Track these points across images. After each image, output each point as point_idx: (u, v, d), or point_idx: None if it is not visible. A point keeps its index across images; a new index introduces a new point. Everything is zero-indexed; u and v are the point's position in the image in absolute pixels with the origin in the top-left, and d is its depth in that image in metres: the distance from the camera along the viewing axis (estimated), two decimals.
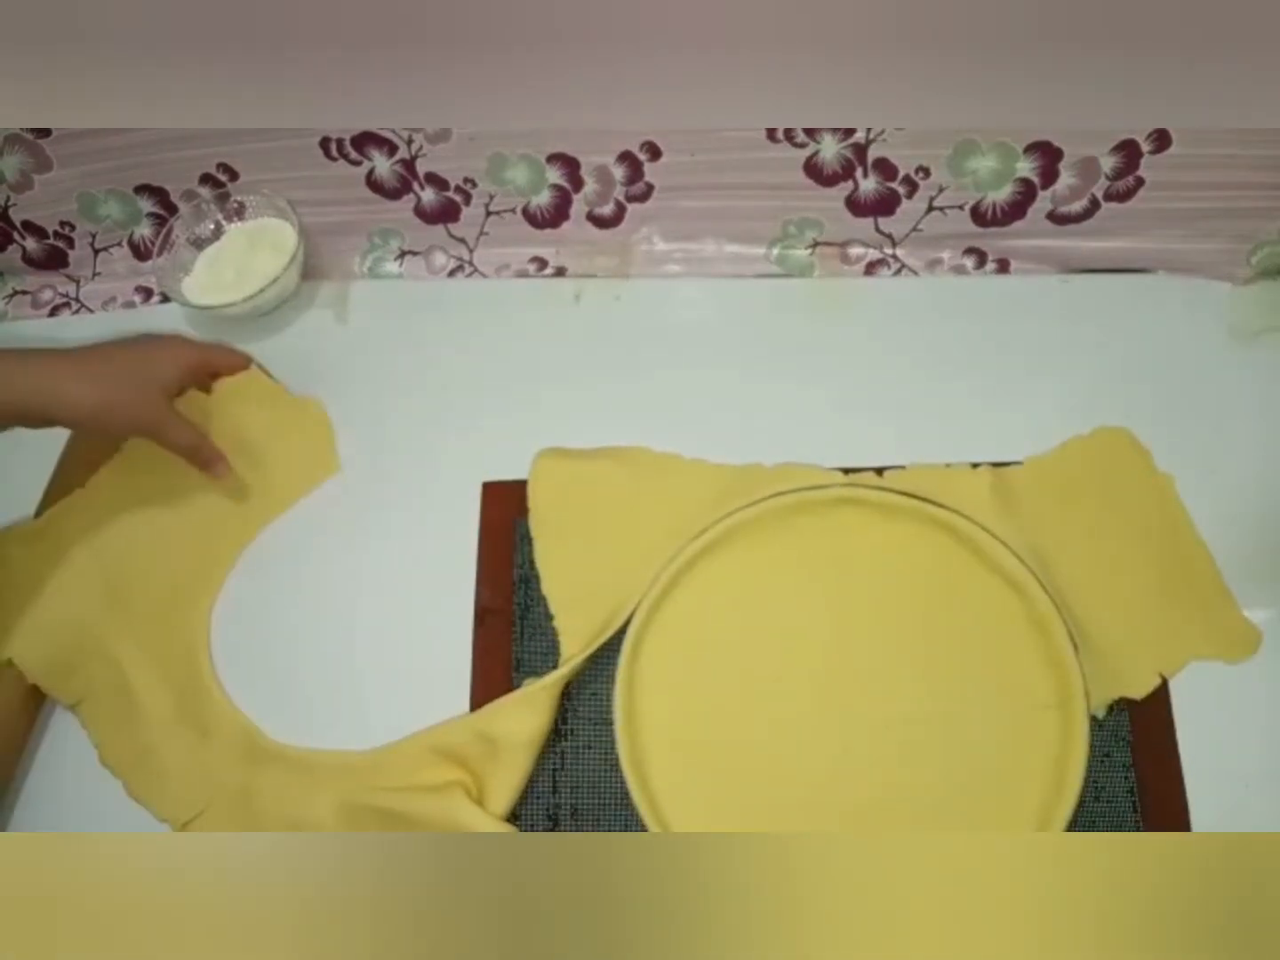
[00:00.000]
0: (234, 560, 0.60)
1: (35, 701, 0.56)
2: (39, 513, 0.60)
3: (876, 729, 0.51)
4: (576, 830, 0.51)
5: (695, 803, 0.50)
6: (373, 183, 0.67)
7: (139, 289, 0.73)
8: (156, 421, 0.53)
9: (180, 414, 0.55)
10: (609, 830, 0.51)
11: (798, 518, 0.54)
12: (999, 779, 0.49)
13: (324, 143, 0.65)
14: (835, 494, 0.54)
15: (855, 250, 0.65)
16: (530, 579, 0.56)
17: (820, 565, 0.54)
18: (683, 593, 0.54)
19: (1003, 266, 0.63)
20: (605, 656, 0.53)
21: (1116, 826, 0.49)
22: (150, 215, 0.71)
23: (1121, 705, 0.50)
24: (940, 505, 0.53)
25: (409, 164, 0.65)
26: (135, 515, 0.60)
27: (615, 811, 0.51)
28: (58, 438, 0.63)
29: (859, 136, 0.59)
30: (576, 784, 0.52)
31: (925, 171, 0.60)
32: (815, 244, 0.65)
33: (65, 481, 0.61)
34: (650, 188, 0.64)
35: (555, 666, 0.54)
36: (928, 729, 0.51)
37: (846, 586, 0.54)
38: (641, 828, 0.50)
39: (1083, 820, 0.48)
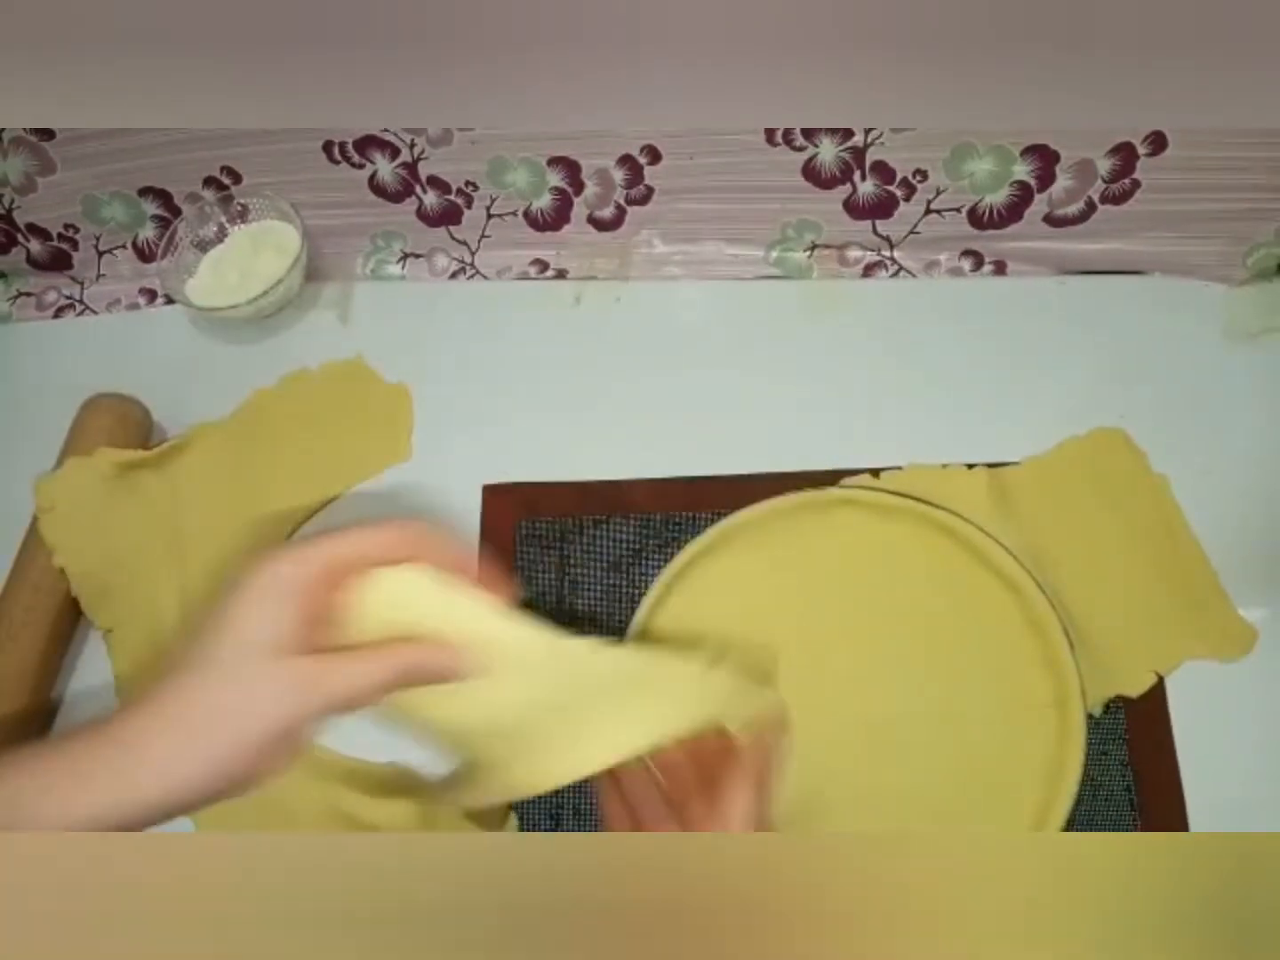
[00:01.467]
0: (287, 534, 0.61)
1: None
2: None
3: (875, 728, 0.51)
4: (579, 830, 0.52)
5: None
6: (375, 185, 0.67)
7: (143, 291, 0.73)
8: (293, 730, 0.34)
9: (331, 665, 0.34)
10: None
11: (796, 519, 0.55)
12: (996, 777, 0.50)
13: (327, 146, 0.65)
14: (833, 495, 0.55)
15: (853, 252, 0.65)
16: (531, 581, 0.57)
17: (818, 566, 0.55)
18: (682, 593, 0.54)
19: (999, 268, 0.64)
20: (628, 601, 0.54)
21: (1114, 823, 0.49)
22: (154, 218, 0.71)
23: (1118, 703, 0.51)
24: (937, 506, 0.53)
25: (411, 167, 0.66)
26: (221, 472, 0.63)
27: None
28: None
29: (857, 140, 0.59)
30: (579, 783, 0.52)
31: (923, 174, 0.60)
32: (814, 246, 0.66)
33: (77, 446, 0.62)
34: (650, 190, 0.65)
35: None
36: (926, 728, 0.51)
37: (844, 587, 0.54)
38: None
39: (1080, 817, 0.49)
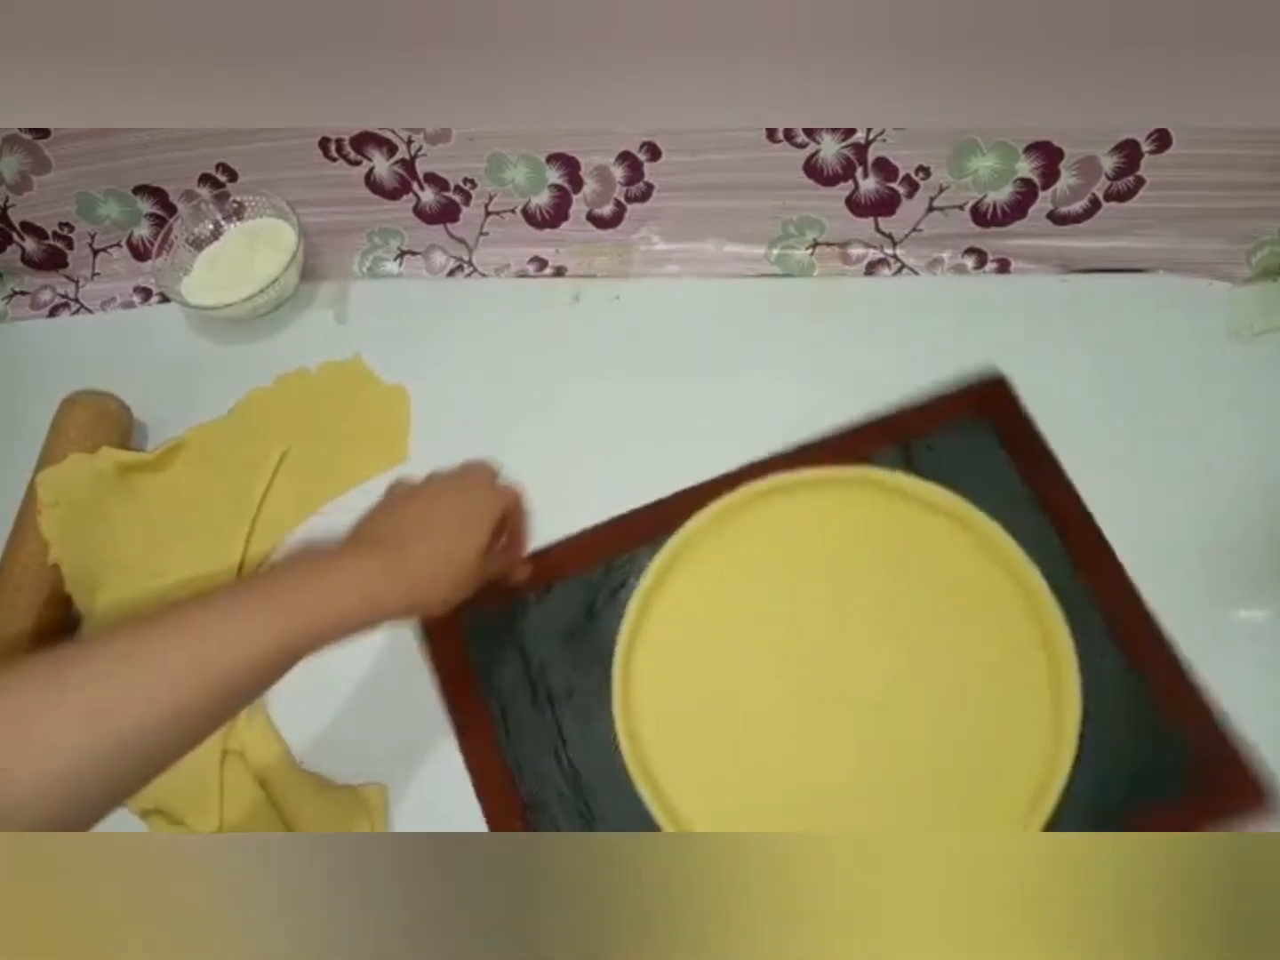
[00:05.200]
0: (287, 534, 0.61)
1: None
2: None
3: (873, 707, 0.51)
4: (584, 822, 0.51)
5: (695, 790, 0.50)
6: (372, 183, 0.67)
7: (138, 289, 0.73)
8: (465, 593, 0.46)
9: (481, 564, 0.47)
10: (614, 817, 0.51)
11: (777, 501, 0.55)
12: (993, 755, 0.49)
13: (323, 143, 0.65)
14: (815, 475, 0.55)
15: (855, 250, 0.65)
16: (496, 677, 0.54)
17: (810, 546, 0.55)
18: (670, 588, 0.54)
19: (1003, 266, 0.63)
20: (600, 658, 0.53)
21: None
22: (149, 216, 0.71)
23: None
24: (925, 480, 0.54)
25: (408, 164, 0.65)
26: (218, 472, 0.63)
27: (619, 801, 0.51)
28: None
29: (859, 137, 0.59)
30: (587, 787, 0.52)
31: (925, 171, 0.60)
32: (815, 244, 0.65)
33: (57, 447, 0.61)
34: (650, 188, 0.64)
35: None
36: (920, 705, 0.51)
37: (839, 569, 0.54)
38: (645, 815, 0.49)
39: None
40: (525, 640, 0.55)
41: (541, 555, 0.56)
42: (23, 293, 0.75)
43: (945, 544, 0.53)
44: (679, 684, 0.53)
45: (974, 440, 0.56)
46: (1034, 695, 0.50)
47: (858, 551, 0.54)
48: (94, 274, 0.74)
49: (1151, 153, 0.56)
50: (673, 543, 0.54)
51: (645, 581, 0.54)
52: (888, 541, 0.54)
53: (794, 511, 0.55)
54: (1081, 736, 0.48)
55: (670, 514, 0.55)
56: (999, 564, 0.52)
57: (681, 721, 0.52)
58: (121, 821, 0.54)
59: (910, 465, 0.56)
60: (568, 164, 0.64)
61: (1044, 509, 0.54)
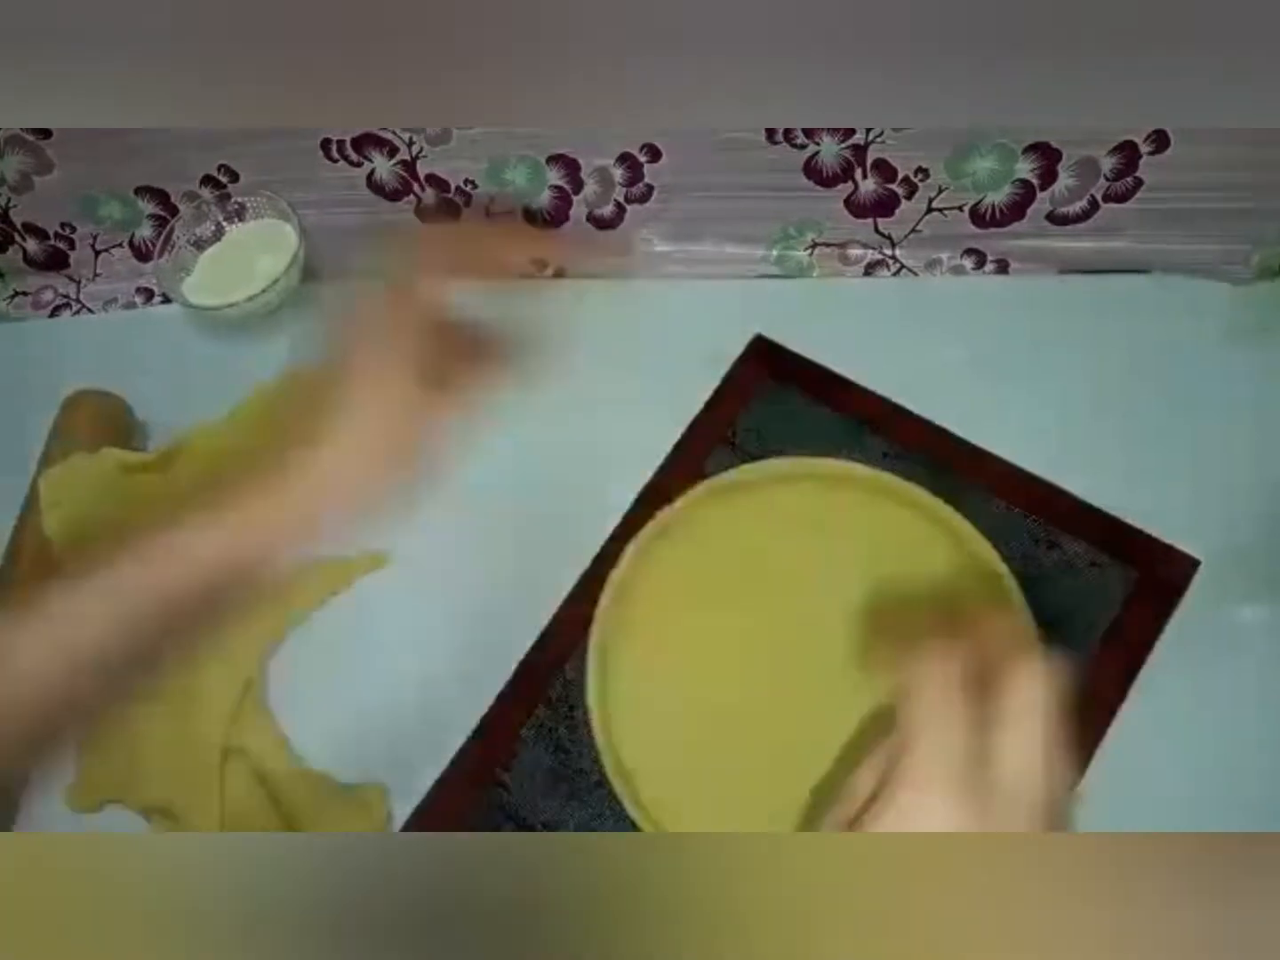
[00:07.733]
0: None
1: None
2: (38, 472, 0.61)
3: (845, 703, 0.51)
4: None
5: (670, 788, 0.50)
6: (373, 184, 0.67)
7: (140, 290, 0.73)
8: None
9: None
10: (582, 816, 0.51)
11: (743, 496, 0.54)
12: None
13: (325, 144, 0.65)
14: (786, 467, 0.54)
15: (854, 251, 0.65)
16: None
17: (782, 541, 0.54)
18: (642, 584, 0.53)
19: (1002, 267, 0.64)
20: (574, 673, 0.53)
21: None
22: (151, 216, 0.71)
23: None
24: (900, 477, 0.53)
25: (409, 165, 0.65)
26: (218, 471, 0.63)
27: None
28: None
29: (858, 138, 0.59)
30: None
31: (924, 172, 0.60)
32: (815, 245, 0.65)
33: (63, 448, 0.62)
34: (650, 189, 0.65)
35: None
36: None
37: (807, 555, 0.53)
38: (621, 812, 0.49)
39: None
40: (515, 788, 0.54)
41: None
42: (24, 293, 0.75)
43: (919, 541, 0.52)
44: (654, 683, 0.52)
45: (781, 403, 0.60)
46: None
47: (828, 546, 0.53)
48: (96, 274, 0.74)
49: (1150, 154, 0.56)
50: (638, 541, 0.53)
51: (618, 574, 0.52)
52: (862, 537, 0.53)
53: (763, 506, 0.54)
54: None
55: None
56: (970, 558, 0.51)
57: (656, 719, 0.51)
58: (122, 820, 0.55)
59: (742, 454, 0.59)
60: (568, 165, 0.64)
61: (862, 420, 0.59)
